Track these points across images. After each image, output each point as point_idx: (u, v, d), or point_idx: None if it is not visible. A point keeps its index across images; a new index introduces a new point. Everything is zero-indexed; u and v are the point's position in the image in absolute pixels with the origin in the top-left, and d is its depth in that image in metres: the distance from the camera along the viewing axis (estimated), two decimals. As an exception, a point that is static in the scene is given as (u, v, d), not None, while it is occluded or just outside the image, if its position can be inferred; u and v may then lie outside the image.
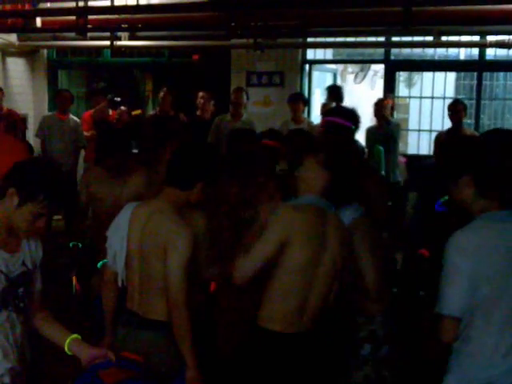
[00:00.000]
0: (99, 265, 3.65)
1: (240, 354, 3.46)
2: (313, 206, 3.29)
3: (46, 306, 3.05)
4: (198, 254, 3.51)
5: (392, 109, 8.89)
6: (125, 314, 3.36)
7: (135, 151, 6.05)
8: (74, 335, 2.88)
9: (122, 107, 8.96)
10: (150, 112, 9.35)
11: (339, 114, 4.53)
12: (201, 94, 8.73)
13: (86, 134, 8.93)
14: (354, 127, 4.53)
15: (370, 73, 12.86)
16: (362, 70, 12.73)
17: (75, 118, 9.08)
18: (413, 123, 10.98)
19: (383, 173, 7.80)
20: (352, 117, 4.52)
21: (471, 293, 2.67)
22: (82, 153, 9.11)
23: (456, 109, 7.81)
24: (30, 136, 9.55)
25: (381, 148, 8.04)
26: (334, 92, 8.47)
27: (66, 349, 2.85)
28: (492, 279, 2.68)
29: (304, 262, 3.21)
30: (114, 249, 3.38)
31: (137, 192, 4.47)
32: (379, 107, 8.39)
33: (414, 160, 8.82)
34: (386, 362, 3.69)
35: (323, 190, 3.33)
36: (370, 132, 8.46)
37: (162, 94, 8.57)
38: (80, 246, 4.95)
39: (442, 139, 7.74)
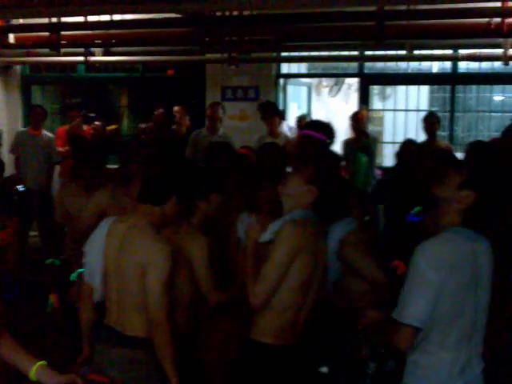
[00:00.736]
0: (73, 276, 3.63)
1: (237, 369, 3.45)
2: (309, 221, 3.31)
3: (19, 324, 2.99)
4: (185, 274, 3.52)
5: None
6: (103, 329, 3.33)
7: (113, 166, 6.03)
8: (41, 362, 2.76)
9: (96, 122, 8.93)
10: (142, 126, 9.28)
11: (314, 128, 4.56)
12: (176, 108, 8.73)
13: (60, 149, 8.88)
14: (329, 141, 4.57)
15: (345, 86, 12.93)
16: (336, 84, 12.80)
17: (49, 134, 9.03)
18: (387, 136, 11.06)
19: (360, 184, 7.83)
20: (327, 130, 4.56)
21: (434, 306, 2.63)
22: (57, 169, 9.05)
23: (430, 121, 7.89)
24: (4, 152, 9.48)
25: (363, 157, 8.01)
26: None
27: (31, 376, 2.73)
28: (455, 295, 2.66)
29: (306, 279, 3.24)
30: (90, 264, 3.37)
31: (98, 208, 4.40)
32: (356, 120, 8.38)
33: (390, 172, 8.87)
34: (393, 377, 3.69)
35: (311, 204, 3.34)
36: (347, 144, 8.46)
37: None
38: (57, 263, 4.91)
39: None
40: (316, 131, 4.50)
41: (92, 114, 9.00)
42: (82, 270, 3.48)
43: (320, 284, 3.36)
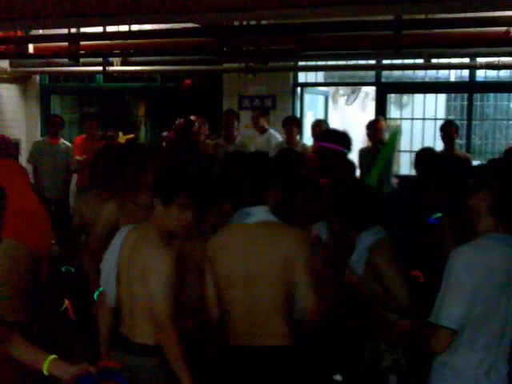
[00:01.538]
0: (96, 295, 3.65)
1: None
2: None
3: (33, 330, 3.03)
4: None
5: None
6: (117, 337, 3.36)
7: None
8: (52, 356, 2.82)
9: (109, 133, 8.96)
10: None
11: (331, 139, 4.57)
12: (194, 117, 8.77)
13: (78, 158, 8.93)
14: (346, 150, 4.58)
15: (362, 95, 12.92)
16: (353, 92, 12.79)
17: (67, 143, 9.09)
18: (404, 144, 11.02)
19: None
20: (344, 141, 4.57)
21: (469, 308, 2.69)
22: (74, 178, 9.10)
23: (448, 130, 7.85)
24: (23, 161, 9.54)
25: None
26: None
27: (44, 370, 2.79)
28: (488, 299, 2.72)
29: None
30: (106, 272, 3.39)
31: (107, 221, 4.36)
32: (374, 130, 8.29)
33: (407, 181, 8.84)
34: None
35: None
36: (363, 153, 8.43)
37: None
38: (72, 270, 4.93)
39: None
40: (332, 143, 4.52)
41: (110, 133, 9.03)
42: (102, 289, 3.50)
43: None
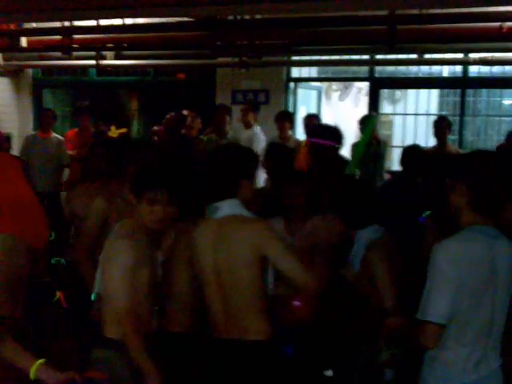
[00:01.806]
0: (93, 297, 3.63)
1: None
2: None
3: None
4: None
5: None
6: (92, 329, 3.35)
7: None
8: (40, 360, 2.78)
9: (100, 127, 8.92)
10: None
11: (323, 135, 4.58)
12: (186, 112, 8.75)
13: (70, 152, 8.90)
14: (338, 145, 4.59)
15: (355, 90, 12.94)
16: (346, 88, 12.81)
17: (58, 137, 9.06)
18: (397, 140, 11.04)
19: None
20: (336, 136, 4.58)
21: (455, 302, 2.70)
22: (66, 171, 9.08)
23: (441, 126, 7.85)
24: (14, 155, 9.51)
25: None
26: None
27: (31, 374, 2.75)
28: (473, 292, 2.72)
29: None
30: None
31: (97, 217, 4.34)
32: (366, 125, 8.29)
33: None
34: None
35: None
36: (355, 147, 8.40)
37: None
38: (62, 262, 4.93)
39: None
40: (324, 138, 4.52)
41: (101, 127, 8.98)
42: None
43: None
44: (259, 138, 8.41)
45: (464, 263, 2.68)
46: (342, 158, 4.98)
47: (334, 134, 4.63)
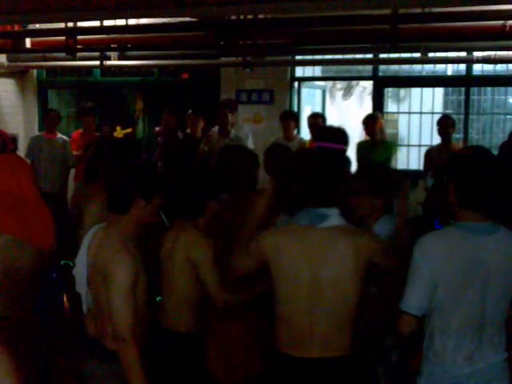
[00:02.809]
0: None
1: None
2: None
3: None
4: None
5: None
6: (86, 342, 3.29)
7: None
8: None
9: (105, 127, 8.95)
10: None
11: (328, 139, 4.57)
12: (188, 112, 8.80)
13: (75, 153, 8.93)
14: (344, 147, 4.61)
15: (359, 89, 12.94)
16: (349, 87, 12.82)
17: (64, 137, 9.09)
18: (402, 138, 11.05)
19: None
20: (343, 138, 4.59)
21: (429, 294, 2.83)
22: (72, 172, 9.11)
23: (445, 124, 7.85)
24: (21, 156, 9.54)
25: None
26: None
27: None
28: (451, 287, 2.82)
29: None
30: (78, 275, 3.33)
31: (91, 219, 4.35)
32: (370, 127, 8.18)
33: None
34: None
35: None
36: (360, 146, 8.37)
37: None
38: (71, 264, 4.94)
39: (432, 154, 7.82)
40: (330, 142, 4.52)
41: (105, 129, 8.99)
42: None
43: None
44: (239, 137, 8.29)
45: (438, 259, 2.80)
46: (349, 160, 5.00)
47: (341, 137, 4.64)
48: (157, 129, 9.18)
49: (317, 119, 8.40)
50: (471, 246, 2.82)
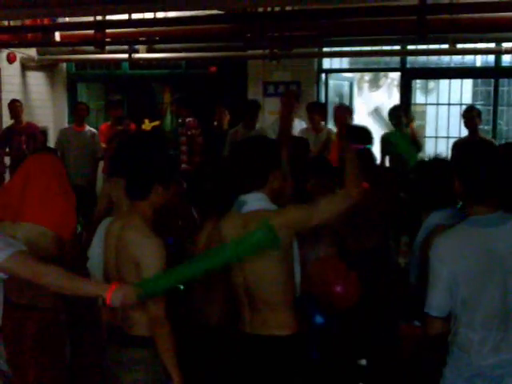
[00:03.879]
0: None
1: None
2: None
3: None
4: None
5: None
6: (109, 329, 3.32)
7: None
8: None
9: (127, 120, 8.96)
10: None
11: (359, 140, 4.58)
12: (217, 107, 8.85)
13: (103, 145, 9.02)
14: (368, 146, 4.64)
15: (387, 81, 12.89)
16: (377, 78, 12.77)
17: (93, 130, 9.20)
18: (430, 130, 10.98)
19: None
20: (364, 137, 4.62)
21: (451, 295, 2.86)
22: (101, 164, 9.20)
23: (469, 116, 7.76)
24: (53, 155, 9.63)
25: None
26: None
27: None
28: (469, 282, 2.84)
29: None
30: (93, 267, 3.38)
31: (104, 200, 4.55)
32: (397, 117, 8.01)
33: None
34: None
35: None
36: (385, 139, 8.29)
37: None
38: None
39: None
40: (361, 143, 4.54)
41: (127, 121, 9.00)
42: None
43: None
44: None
45: (454, 259, 2.84)
46: (374, 157, 5.04)
47: (362, 135, 4.66)
48: (151, 124, 9.17)
49: (344, 112, 8.25)
50: (484, 239, 2.84)
